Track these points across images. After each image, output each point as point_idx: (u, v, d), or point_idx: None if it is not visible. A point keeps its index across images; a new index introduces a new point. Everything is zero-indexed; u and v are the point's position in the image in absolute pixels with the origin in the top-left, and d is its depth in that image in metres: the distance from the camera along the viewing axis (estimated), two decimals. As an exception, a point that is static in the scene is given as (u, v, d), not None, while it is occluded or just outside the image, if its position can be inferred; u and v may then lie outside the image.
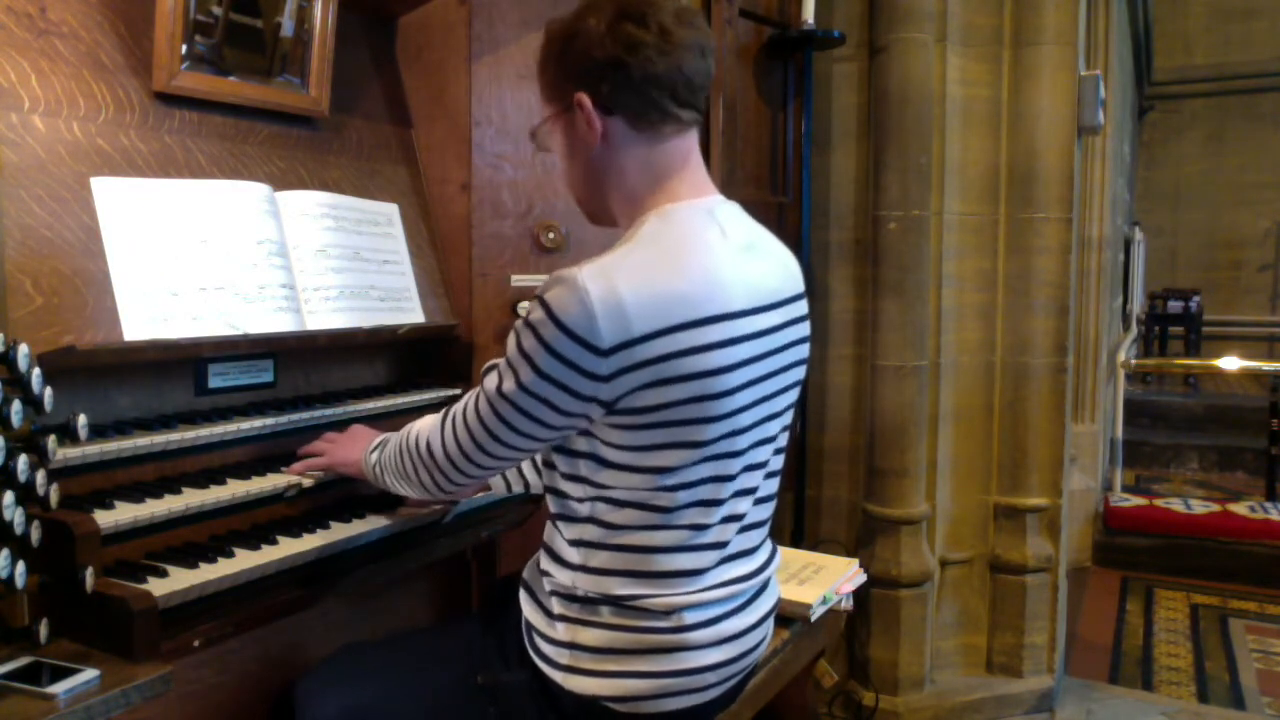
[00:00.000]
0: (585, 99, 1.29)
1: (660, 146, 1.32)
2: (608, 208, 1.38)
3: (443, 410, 1.39)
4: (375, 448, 1.52)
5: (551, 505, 1.37)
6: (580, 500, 1.31)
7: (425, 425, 1.41)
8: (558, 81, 1.33)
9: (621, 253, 1.25)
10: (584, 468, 1.29)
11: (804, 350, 1.43)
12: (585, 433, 1.27)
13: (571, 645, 1.31)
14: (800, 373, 1.43)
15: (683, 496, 1.27)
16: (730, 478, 1.31)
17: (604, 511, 1.29)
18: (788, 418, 1.42)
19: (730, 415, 1.26)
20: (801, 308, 1.42)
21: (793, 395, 1.42)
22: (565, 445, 1.31)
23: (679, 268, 1.23)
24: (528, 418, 1.25)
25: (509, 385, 1.24)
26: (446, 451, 1.35)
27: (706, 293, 1.23)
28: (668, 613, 1.30)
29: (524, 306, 1.87)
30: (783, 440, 1.43)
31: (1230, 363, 5.78)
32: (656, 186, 1.32)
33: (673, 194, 1.32)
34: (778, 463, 1.43)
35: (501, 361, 1.26)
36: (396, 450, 1.45)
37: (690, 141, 1.35)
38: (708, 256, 1.26)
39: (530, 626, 1.38)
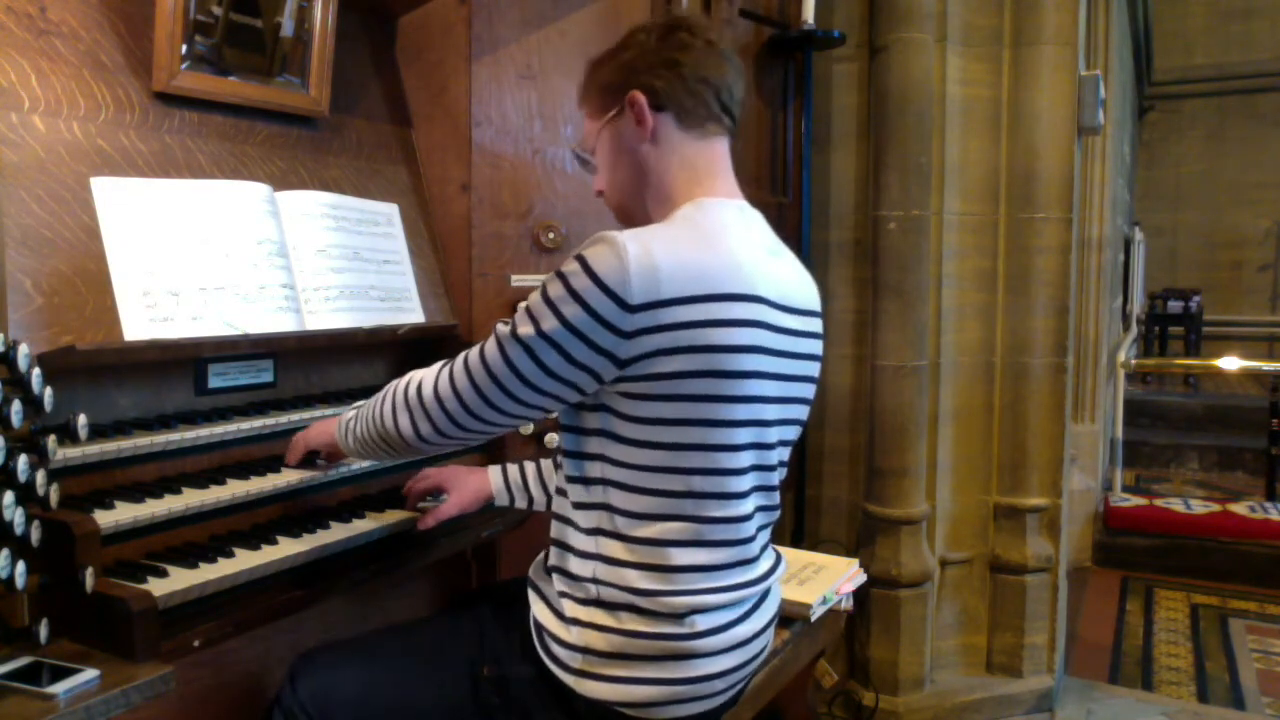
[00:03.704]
0: (639, 95, 1.39)
1: (701, 145, 1.41)
2: (645, 209, 1.44)
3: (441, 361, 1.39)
4: (356, 406, 1.51)
5: (566, 495, 1.37)
6: (594, 483, 1.32)
7: (420, 372, 1.41)
8: (609, 89, 1.43)
9: (658, 227, 1.34)
10: (596, 444, 1.31)
11: (815, 368, 1.46)
12: (598, 407, 1.30)
13: (585, 650, 1.32)
14: (809, 390, 1.45)
15: (693, 483, 1.29)
16: (740, 472, 1.32)
17: (617, 498, 1.30)
18: (792, 432, 1.44)
19: (743, 401, 1.29)
20: (818, 325, 1.46)
21: (800, 411, 1.44)
22: (578, 424, 1.33)
23: (712, 246, 1.29)
24: (536, 364, 1.26)
25: (527, 330, 1.26)
26: (439, 396, 1.34)
27: (735, 272, 1.28)
28: (681, 616, 1.30)
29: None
30: (786, 453, 1.45)
31: (1230, 363, 5.78)
32: (693, 183, 1.40)
33: (708, 190, 1.40)
34: (780, 475, 1.45)
35: (520, 310, 1.28)
36: (380, 399, 1.43)
37: (725, 147, 1.45)
38: (738, 243, 1.33)
39: (541, 627, 1.38)
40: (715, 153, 1.43)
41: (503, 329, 1.29)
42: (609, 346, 1.23)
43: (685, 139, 1.40)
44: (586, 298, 1.22)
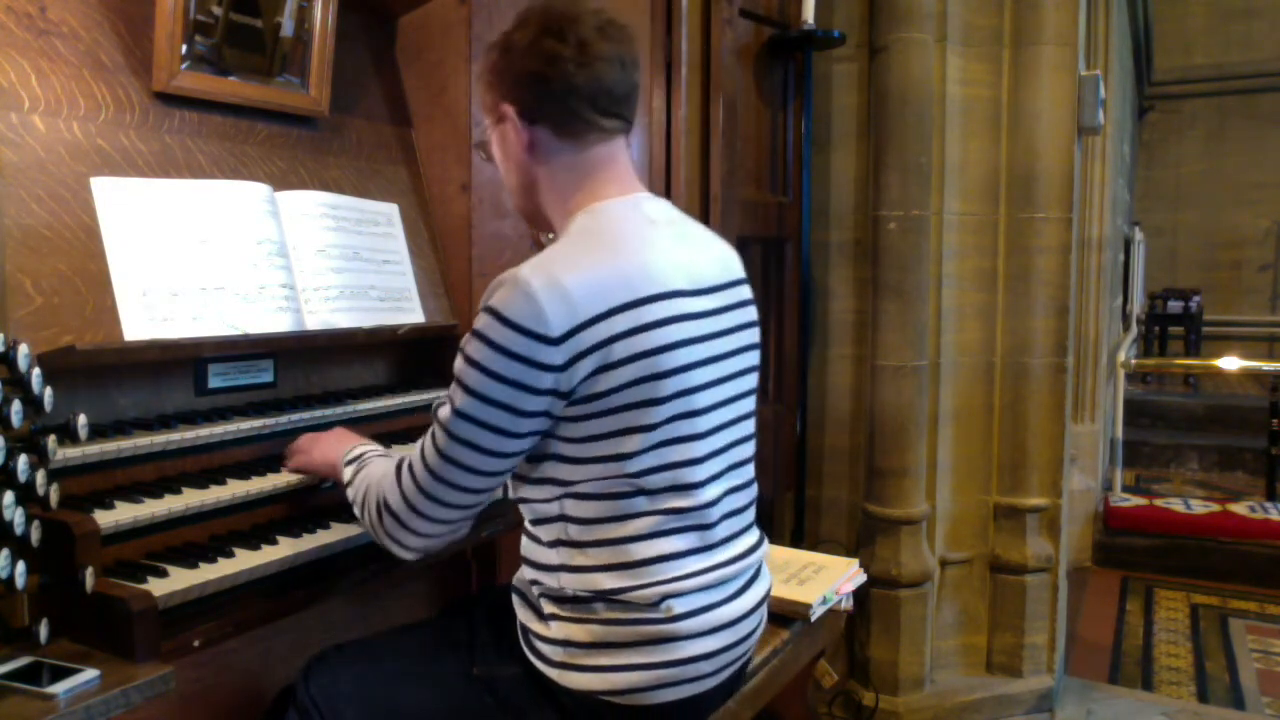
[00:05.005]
0: (510, 110, 1.36)
1: (585, 153, 1.37)
2: (542, 212, 1.43)
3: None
4: (352, 461, 1.48)
5: (524, 514, 1.38)
6: (548, 501, 1.32)
7: (381, 485, 1.37)
8: (490, 95, 1.40)
9: (555, 248, 1.31)
10: (546, 468, 1.31)
11: (754, 335, 1.46)
12: (542, 434, 1.29)
13: (565, 643, 1.32)
14: (754, 358, 1.45)
15: (646, 482, 1.28)
16: (697, 461, 1.32)
17: (573, 507, 1.30)
18: (746, 405, 1.44)
19: (681, 395, 1.28)
20: (743, 293, 1.45)
21: (750, 380, 1.44)
22: None
23: (613, 253, 1.28)
24: (488, 430, 1.24)
25: (462, 401, 1.24)
26: (407, 500, 1.31)
27: (642, 274, 1.27)
28: (656, 603, 1.30)
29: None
30: (748, 427, 1.45)
31: (1230, 363, 5.78)
32: (584, 189, 1.37)
33: (600, 194, 1.37)
34: (747, 450, 1.45)
35: (451, 385, 1.26)
36: (360, 500, 1.41)
37: (616, 148, 1.40)
38: (639, 242, 1.31)
39: (525, 629, 1.38)
40: (601, 157, 1.37)
41: (443, 412, 1.27)
42: (550, 385, 1.22)
43: (565, 148, 1.36)
44: (510, 346, 1.20)
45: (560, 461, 1.29)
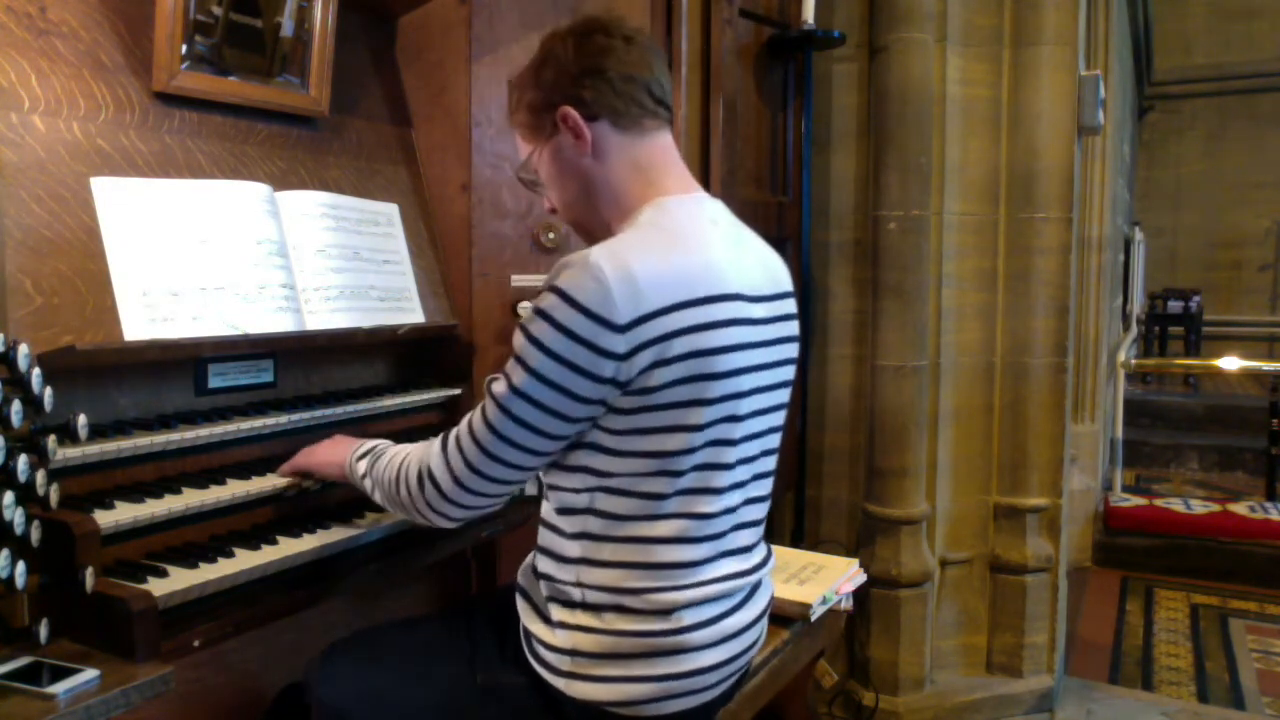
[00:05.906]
0: (570, 111, 1.35)
1: (644, 143, 1.38)
2: (603, 220, 1.41)
3: (437, 437, 1.35)
4: (364, 455, 1.48)
5: (550, 501, 1.36)
6: (579, 491, 1.31)
7: (417, 453, 1.37)
8: (538, 109, 1.39)
9: (625, 236, 1.30)
10: (583, 456, 1.29)
11: (793, 350, 1.45)
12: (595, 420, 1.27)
13: (572, 652, 1.31)
14: (790, 373, 1.44)
15: (681, 483, 1.28)
16: (727, 467, 1.32)
17: (603, 501, 1.29)
18: (778, 418, 1.43)
19: (728, 399, 1.28)
20: (790, 306, 1.45)
21: (783, 395, 1.43)
22: None
23: (681, 248, 1.28)
24: (544, 411, 1.22)
25: (520, 379, 1.22)
26: (453, 472, 1.30)
27: (708, 273, 1.27)
28: (667, 612, 1.30)
29: (524, 307, 1.86)
30: (775, 440, 1.44)
31: (1230, 363, 5.78)
32: (646, 185, 1.37)
33: (663, 189, 1.37)
34: (771, 463, 1.44)
35: (509, 361, 1.25)
36: (392, 479, 1.39)
37: (669, 139, 1.42)
38: (705, 241, 1.31)
39: (529, 633, 1.37)
40: (659, 147, 1.39)
41: (498, 387, 1.25)
42: (610, 374, 1.20)
43: (626, 142, 1.36)
44: (574, 329, 1.18)
45: (598, 451, 1.28)
